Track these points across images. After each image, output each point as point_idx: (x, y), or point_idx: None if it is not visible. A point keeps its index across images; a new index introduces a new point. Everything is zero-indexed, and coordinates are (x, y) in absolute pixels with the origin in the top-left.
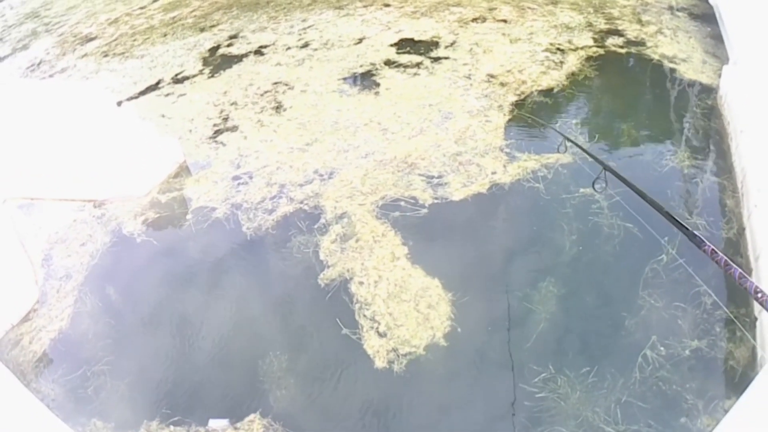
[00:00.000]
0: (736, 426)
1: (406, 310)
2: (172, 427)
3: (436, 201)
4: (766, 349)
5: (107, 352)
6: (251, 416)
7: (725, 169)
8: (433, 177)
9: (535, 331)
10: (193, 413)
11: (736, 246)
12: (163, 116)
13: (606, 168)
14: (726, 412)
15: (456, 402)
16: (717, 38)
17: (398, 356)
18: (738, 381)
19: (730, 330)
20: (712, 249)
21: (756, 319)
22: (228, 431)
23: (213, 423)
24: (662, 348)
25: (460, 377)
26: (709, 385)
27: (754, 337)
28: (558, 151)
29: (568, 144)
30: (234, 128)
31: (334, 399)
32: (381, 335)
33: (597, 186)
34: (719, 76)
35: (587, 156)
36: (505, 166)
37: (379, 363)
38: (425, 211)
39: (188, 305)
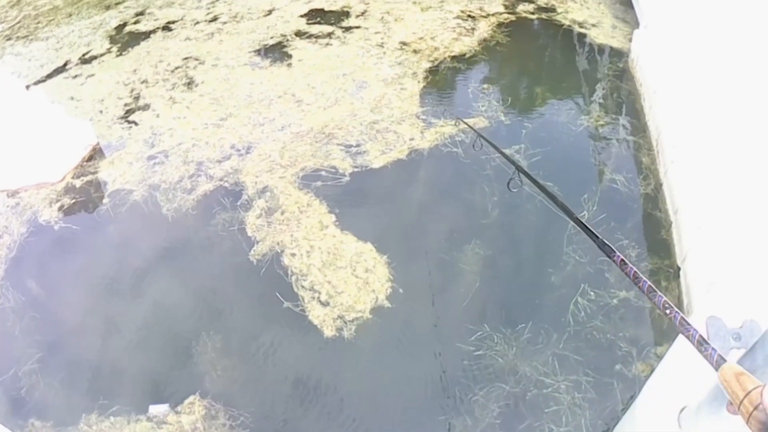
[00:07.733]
0: (672, 370)
1: (344, 276)
2: (112, 418)
3: (356, 169)
4: (692, 296)
5: (36, 349)
6: (191, 398)
7: (639, 128)
8: (351, 146)
9: (470, 291)
10: (131, 401)
11: (655, 201)
12: (72, 98)
13: (519, 169)
14: (660, 358)
15: (404, 361)
16: (626, 4)
17: (346, 323)
18: (667, 328)
19: (655, 280)
20: (622, 259)
21: (679, 269)
22: (169, 416)
23: (153, 409)
24: (592, 294)
25: (407, 337)
26: (640, 333)
27: (678, 286)
28: (474, 149)
29: (483, 110)
30: (146, 107)
31: (287, 372)
32: (324, 304)
33: (512, 186)
34: (630, 40)
35: (503, 119)
36: (422, 133)
37: (328, 332)
38: (347, 179)
39: (115, 293)
